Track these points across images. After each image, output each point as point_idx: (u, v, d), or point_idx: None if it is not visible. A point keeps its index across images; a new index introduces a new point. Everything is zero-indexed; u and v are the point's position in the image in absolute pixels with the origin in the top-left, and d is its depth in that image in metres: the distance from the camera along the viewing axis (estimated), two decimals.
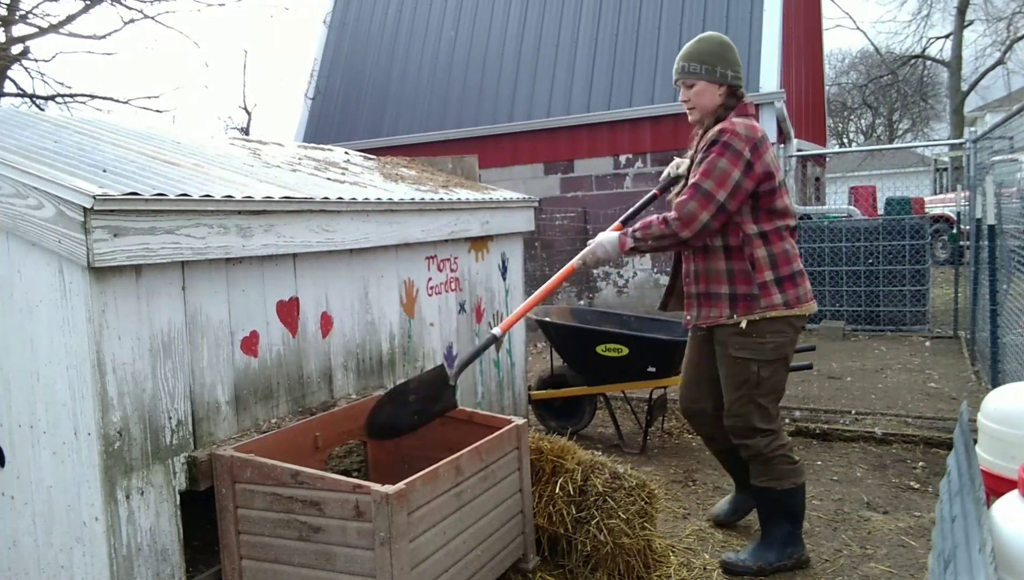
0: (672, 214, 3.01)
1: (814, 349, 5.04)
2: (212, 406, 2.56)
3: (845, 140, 34.45)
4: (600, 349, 4.63)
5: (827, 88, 20.62)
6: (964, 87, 23.94)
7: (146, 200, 2.20)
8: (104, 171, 2.41)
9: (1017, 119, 5.44)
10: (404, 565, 2.20)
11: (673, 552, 3.34)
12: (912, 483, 4.13)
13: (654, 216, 3.07)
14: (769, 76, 8.90)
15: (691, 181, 3.02)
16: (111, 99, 10.41)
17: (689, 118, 3.20)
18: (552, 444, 3.24)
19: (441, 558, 2.43)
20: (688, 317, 3.31)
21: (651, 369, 4.57)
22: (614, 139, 9.71)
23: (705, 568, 3.24)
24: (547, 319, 4.97)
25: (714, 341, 3.23)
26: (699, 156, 3.07)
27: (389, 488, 2.18)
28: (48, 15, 9.85)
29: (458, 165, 5.04)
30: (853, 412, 5.33)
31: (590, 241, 3.25)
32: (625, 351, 4.57)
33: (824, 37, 15.90)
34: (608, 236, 3.18)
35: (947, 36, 24.71)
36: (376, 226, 3.24)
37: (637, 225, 3.10)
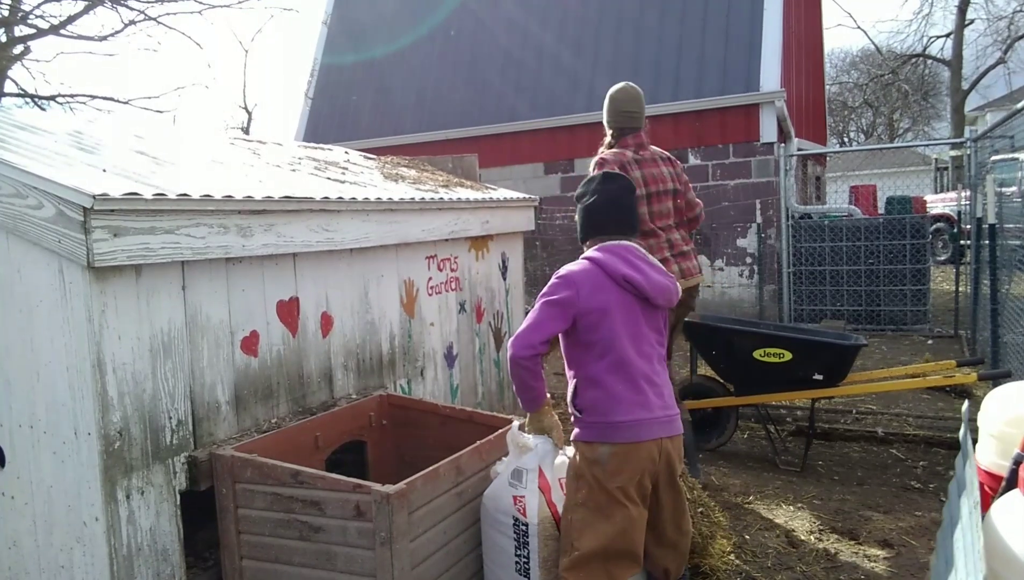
0: None
1: None
2: (212, 406, 2.56)
3: (846, 139, 34.40)
4: (758, 354, 4.23)
5: (828, 87, 20.61)
6: (965, 86, 23.89)
7: (146, 200, 2.20)
8: (104, 171, 2.41)
9: (1017, 118, 5.44)
10: (404, 565, 2.20)
11: None
12: (913, 483, 4.13)
13: None
14: (770, 75, 8.88)
15: None
16: (112, 99, 10.44)
17: None
18: None
19: (442, 558, 2.42)
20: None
21: (817, 377, 4.19)
22: None
23: None
24: (695, 320, 4.54)
25: None
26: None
27: (390, 488, 2.18)
28: (49, 16, 9.85)
29: (458, 165, 5.04)
30: (854, 412, 5.32)
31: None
32: (788, 356, 4.16)
33: (825, 36, 15.89)
34: None
35: (948, 35, 24.68)
36: (376, 226, 3.23)
37: None
